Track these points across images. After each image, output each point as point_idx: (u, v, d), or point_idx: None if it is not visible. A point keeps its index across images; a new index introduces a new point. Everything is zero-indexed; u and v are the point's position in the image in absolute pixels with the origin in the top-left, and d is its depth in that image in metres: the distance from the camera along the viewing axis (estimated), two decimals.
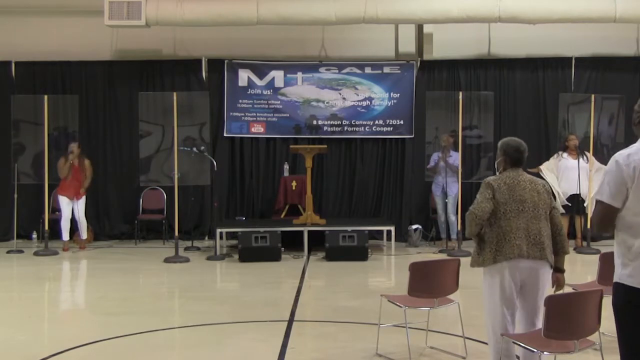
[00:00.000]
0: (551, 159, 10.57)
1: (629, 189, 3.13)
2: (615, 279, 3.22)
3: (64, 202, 10.31)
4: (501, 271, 4.17)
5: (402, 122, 11.39)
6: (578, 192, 10.17)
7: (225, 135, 11.39)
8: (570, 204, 10.23)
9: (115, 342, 5.57)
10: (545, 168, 10.38)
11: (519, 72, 11.39)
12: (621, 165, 3.15)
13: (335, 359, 5.20)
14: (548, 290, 4.26)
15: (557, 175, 10.38)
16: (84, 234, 10.51)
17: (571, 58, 11.29)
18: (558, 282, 4.33)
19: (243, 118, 11.39)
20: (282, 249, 9.47)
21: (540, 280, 4.22)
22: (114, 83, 11.43)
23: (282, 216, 10.84)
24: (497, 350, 4.17)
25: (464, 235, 9.99)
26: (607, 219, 3.20)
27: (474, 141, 11.13)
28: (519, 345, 4.01)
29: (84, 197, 10.45)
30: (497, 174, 4.45)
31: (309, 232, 9.85)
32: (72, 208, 10.35)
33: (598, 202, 3.23)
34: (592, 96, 10.38)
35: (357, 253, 9.42)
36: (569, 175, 10.27)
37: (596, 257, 5.66)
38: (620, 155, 3.20)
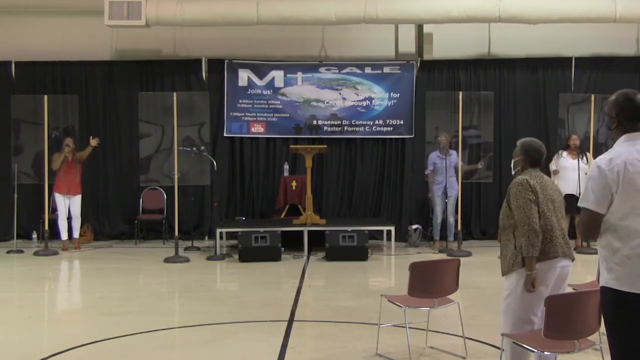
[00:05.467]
0: (552, 160, 10.52)
1: (614, 193, 3.10)
2: (602, 283, 3.20)
3: (59, 199, 10.27)
4: (543, 271, 4.10)
5: (402, 122, 11.38)
6: (577, 193, 10.13)
7: (225, 135, 11.39)
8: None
9: (115, 342, 5.57)
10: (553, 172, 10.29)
11: (519, 72, 11.39)
12: (604, 170, 3.11)
13: (335, 359, 5.20)
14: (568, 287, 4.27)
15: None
16: (76, 232, 10.47)
17: (571, 58, 11.29)
18: None
19: (243, 118, 11.39)
20: (282, 249, 9.47)
21: (567, 278, 4.24)
22: (114, 83, 11.42)
23: (282, 216, 10.83)
24: (514, 350, 4.10)
25: (463, 235, 10.00)
26: (593, 225, 3.19)
27: (473, 141, 11.13)
28: (519, 345, 4.00)
29: (79, 195, 10.41)
30: (513, 172, 4.43)
31: (309, 232, 9.84)
32: (68, 206, 10.34)
33: (583, 209, 3.19)
34: (592, 96, 10.38)
35: (357, 253, 9.42)
36: (566, 175, 10.25)
37: (596, 257, 5.63)
38: (602, 160, 3.16)
